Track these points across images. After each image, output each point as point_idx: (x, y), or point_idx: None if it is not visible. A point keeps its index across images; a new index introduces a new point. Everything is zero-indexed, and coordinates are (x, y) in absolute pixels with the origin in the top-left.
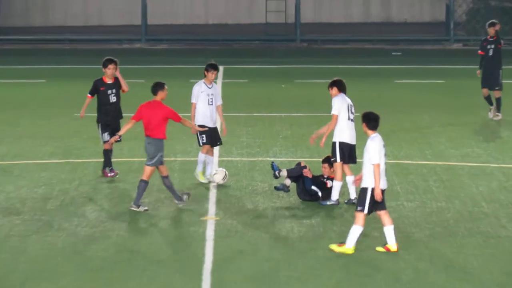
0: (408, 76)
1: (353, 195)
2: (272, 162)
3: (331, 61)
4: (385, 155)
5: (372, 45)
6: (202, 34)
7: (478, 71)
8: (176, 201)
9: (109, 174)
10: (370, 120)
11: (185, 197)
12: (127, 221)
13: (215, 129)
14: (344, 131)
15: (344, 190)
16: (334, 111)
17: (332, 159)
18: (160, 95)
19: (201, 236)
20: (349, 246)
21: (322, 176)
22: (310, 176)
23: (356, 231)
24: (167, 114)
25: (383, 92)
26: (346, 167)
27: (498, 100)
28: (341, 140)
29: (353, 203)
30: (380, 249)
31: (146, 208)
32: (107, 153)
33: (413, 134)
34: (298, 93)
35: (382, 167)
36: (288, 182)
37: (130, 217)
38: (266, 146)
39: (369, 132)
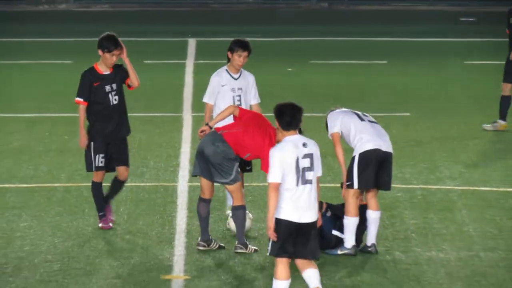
0: (485, 54)
1: (371, 239)
2: None
3: (364, 31)
4: (310, 169)
5: (428, 6)
6: None
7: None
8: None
9: (101, 225)
10: (282, 115)
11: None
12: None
13: None
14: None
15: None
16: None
17: (347, 183)
18: None
19: None
20: None
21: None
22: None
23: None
24: None
25: (446, 79)
26: (371, 195)
27: None
28: (364, 150)
29: (369, 251)
30: None
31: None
32: (97, 189)
33: (495, 146)
34: (314, 81)
35: (296, 192)
36: None
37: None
38: None
39: (283, 134)
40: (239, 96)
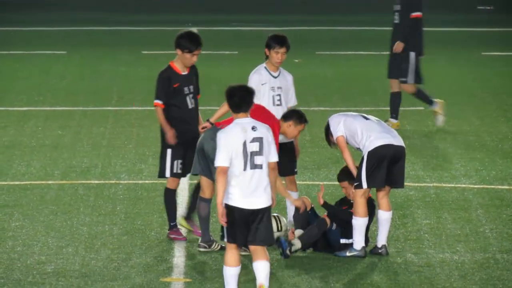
0: (503, 45)
1: (382, 240)
2: (280, 238)
3: (375, 21)
4: (259, 154)
5: None
6: None
7: None
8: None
9: (173, 236)
10: (232, 97)
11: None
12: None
13: (286, 146)
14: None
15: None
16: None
17: (355, 184)
18: None
19: None
20: None
21: (344, 200)
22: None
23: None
24: None
25: (462, 71)
26: (383, 194)
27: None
28: (374, 146)
29: (380, 253)
30: None
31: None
32: (172, 197)
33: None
34: (321, 72)
35: (244, 177)
36: (298, 244)
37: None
38: None
39: (233, 117)
40: (279, 95)
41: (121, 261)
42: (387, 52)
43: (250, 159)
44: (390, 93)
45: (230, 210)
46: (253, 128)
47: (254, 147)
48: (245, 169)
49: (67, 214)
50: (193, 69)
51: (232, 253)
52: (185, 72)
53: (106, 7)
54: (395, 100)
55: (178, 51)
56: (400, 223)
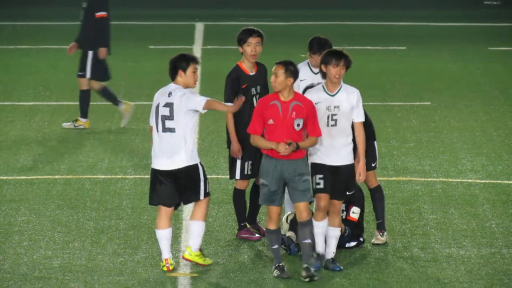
0: (510, 40)
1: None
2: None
3: (382, 15)
4: (170, 119)
5: None
6: None
7: None
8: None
9: (246, 236)
10: (169, 64)
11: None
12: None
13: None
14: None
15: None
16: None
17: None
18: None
19: None
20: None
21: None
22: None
23: None
24: None
25: (468, 66)
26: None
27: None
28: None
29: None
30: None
31: None
32: (241, 198)
33: None
34: None
35: (158, 139)
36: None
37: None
38: None
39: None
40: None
41: (128, 256)
42: (398, 48)
43: (162, 122)
44: (80, 91)
45: (151, 172)
46: (169, 94)
47: (165, 111)
48: (157, 131)
49: (74, 209)
50: (261, 68)
51: (160, 216)
52: (252, 72)
53: (113, 2)
54: (85, 98)
55: (240, 49)
56: (406, 218)
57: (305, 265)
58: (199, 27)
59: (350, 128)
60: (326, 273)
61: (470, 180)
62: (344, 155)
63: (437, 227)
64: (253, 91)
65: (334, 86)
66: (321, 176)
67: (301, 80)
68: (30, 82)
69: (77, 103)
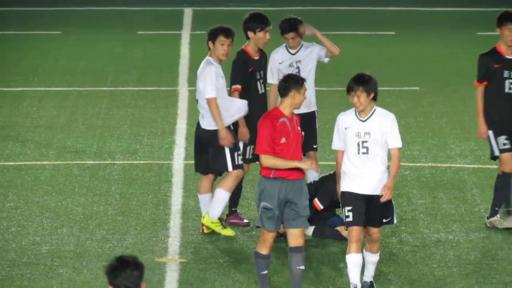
0: None
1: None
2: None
3: (371, 0)
4: None
5: None
6: None
7: None
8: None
9: (235, 221)
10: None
11: None
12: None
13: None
14: None
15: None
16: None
17: None
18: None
19: None
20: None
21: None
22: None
23: None
24: None
25: (457, 51)
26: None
27: None
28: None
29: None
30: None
31: None
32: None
33: None
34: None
35: None
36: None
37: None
38: None
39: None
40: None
41: (116, 242)
42: (387, 33)
43: None
44: None
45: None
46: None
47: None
48: None
49: (62, 194)
50: (263, 54)
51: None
52: (257, 57)
53: None
54: None
55: (250, 34)
56: (395, 202)
57: None
58: (188, 12)
59: (384, 155)
60: (316, 257)
61: (458, 165)
62: (378, 184)
63: (425, 212)
64: (258, 75)
65: (365, 112)
66: (349, 208)
67: (280, 63)
68: (19, 68)
69: (65, 88)
